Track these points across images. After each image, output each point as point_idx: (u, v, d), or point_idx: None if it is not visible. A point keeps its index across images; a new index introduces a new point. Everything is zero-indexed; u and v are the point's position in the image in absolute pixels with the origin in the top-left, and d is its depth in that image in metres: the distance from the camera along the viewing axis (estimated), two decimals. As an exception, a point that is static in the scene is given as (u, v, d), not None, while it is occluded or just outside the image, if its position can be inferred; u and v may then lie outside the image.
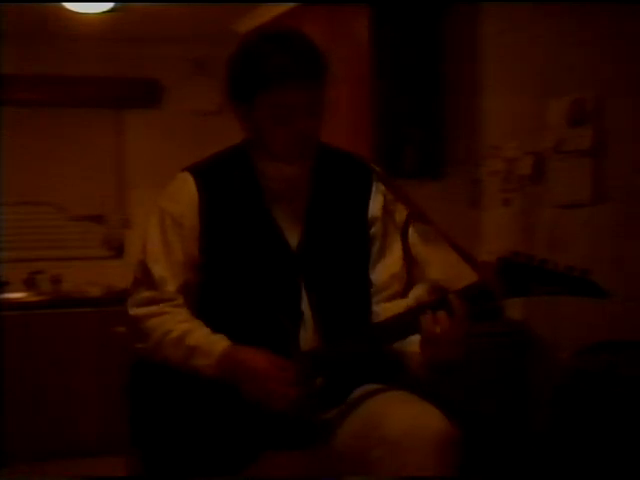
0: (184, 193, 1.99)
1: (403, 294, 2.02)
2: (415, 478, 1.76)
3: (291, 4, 4.49)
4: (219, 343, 1.89)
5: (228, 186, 1.99)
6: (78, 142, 5.59)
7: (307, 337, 1.95)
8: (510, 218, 3.68)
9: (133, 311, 2.01)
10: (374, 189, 2.04)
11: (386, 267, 2.03)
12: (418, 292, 1.98)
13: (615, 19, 3.15)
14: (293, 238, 1.99)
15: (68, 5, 4.66)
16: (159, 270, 1.98)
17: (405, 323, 1.82)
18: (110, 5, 4.67)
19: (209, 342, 1.90)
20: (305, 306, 1.97)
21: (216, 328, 1.96)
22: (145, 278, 2.00)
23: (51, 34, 5.22)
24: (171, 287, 1.97)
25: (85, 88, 5.57)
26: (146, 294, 1.99)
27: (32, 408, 4.89)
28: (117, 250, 5.68)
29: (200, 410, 1.93)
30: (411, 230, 2.01)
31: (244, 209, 1.98)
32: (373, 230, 2.03)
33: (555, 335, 3.25)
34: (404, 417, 1.80)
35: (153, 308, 1.97)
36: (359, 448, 1.85)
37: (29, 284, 5.30)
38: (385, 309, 1.99)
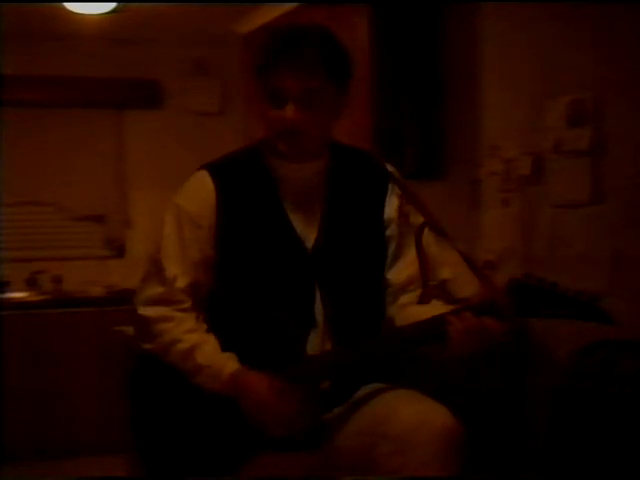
0: (202, 192, 1.98)
1: (420, 299, 2.01)
2: (417, 478, 1.77)
3: (291, 4, 4.50)
4: (227, 365, 1.89)
5: (245, 186, 1.99)
6: (79, 142, 5.60)
7: (318, 339, 1.95)
8: (509, 218, 3.69)
9: (142, 310, 1.99)
10: (390, 190, 2.03)
11: (403, 268, 2.03)
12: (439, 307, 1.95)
13: (614, 19, 3.15)
14: (309, 239, 1.98)
15: (69, 6, 4.67)
16: (172, 268, 1.97)
17: (429, 332, 1.83)
18: (111, 6, 4.68)
19: (218, 363, 1.89)
20: (318, 308, 1.97)
21: (227, 328, 1.97)
22: (157, 274, 1.99)
23: (52, 35, 5.23)
24: (181, 285, 1.96)
25: (86, 89, 5.58)
26: (156, 291, 1.98)
27: (32, 408, 4.90)
28: (118, 250, 5.69)
29: (199, 410, 1.94)
30: (425, 231, 2.01)
31: (260, 209, 1.97)
32: (389, 232, 2.03)
33: (553, 334, 3.25)
34: (410, 413, 1.81)
35: (162, 310, 1.96)
36: (364, 445, 1.86)
37: (30, 284, 5.31)
38: (408, 312, 1.98)
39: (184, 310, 1.97)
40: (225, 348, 1.96)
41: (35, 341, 4.97)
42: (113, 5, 4.67)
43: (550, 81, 3.46)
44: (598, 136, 3.22)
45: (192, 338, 1.93)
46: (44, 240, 5.60)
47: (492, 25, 3.83)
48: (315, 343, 1.95)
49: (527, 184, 3.59)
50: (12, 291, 5.21)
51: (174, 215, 2.01)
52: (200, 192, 1.99)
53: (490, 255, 3.75)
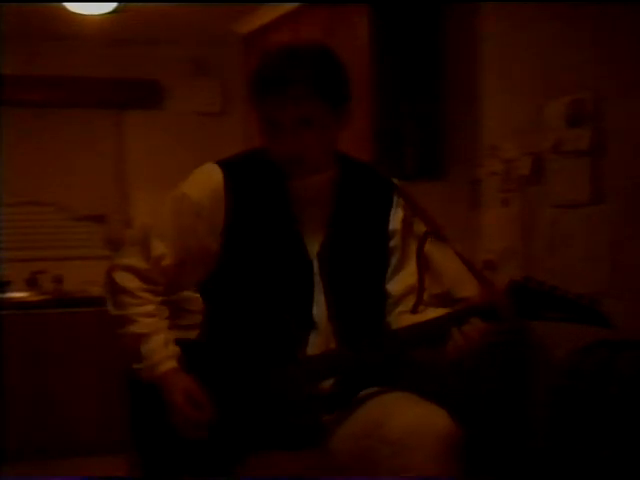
0: (210, 185, 1.97)
1: (413, 308, 2.02)
2: (416, 478, 1.77)
3: (291, 4, 4.50)
4: (164, 363, 1.96)
5: (256, 186, 1.98)
6: (79, 143, 5.61)
7: (319, 342, 1.96)
8: (509, 218, 3.69)
9: (117, 274, 2.03)
10: (395, 202, 2.05)
11: (403, 279, 2.04)
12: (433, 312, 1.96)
13: (614, 20, 3.16)
14: (314, 245, 1.99)
15: (69, 6, 4.67)
16: (160, 246, 1.99)
17: (430, 333, 1.85)
18: (111, 6, 4.68)
19: (157, 358, 1.96)
20: (321, 312, 1.97)
21: (226, 324, 2.00)
22: (143, 248, 2.01)
23: (52, 35, 5.24)
24: (166, 263, 1.99)
25: (86, 89, 5.58)
26: (137, 263, 2.01)
27: (32, 407, 4.90)
28: (118, 250, 5.68)
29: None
30: (428, 242, 2.03)
31: (269, 211, 1.98)
32: (392, 243, 2.04)
33: (552, 334, 3.26)
34: (408, 416, 1.82)
35: (135, 284, 2.00)
36: (362, 448, 1.86)
37: (31, 284, 5.31)
38: (404, 320, 1.99)
39: (154, 292, 2.02)
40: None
41: (35, 341, 4.96)
42: (113, 5, 4.67)
43: (550, 81, 3.47)
44: (598, 136, 3.22)
45: (147, 324, 1.98)
46: (44, 240, 5.60)
47: (492, 25, 3.84)
48: (318, 345, 1.95)
49: (527, 184, 3.59)
50: (12, 291, 5.21)
51: (176, 201, 2.01)
52: (208, 184, 1.98)
53: (490, 255, 3.75)
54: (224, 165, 2.00)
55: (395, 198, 2.05)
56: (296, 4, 4.46)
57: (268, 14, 4.75)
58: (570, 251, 3.34)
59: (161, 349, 1.97)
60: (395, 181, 2.09)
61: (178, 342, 2.01)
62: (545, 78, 3.50)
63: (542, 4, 3.47)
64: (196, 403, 1.92)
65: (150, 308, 2.00)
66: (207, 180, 1.98)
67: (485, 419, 3.14)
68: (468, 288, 1.95)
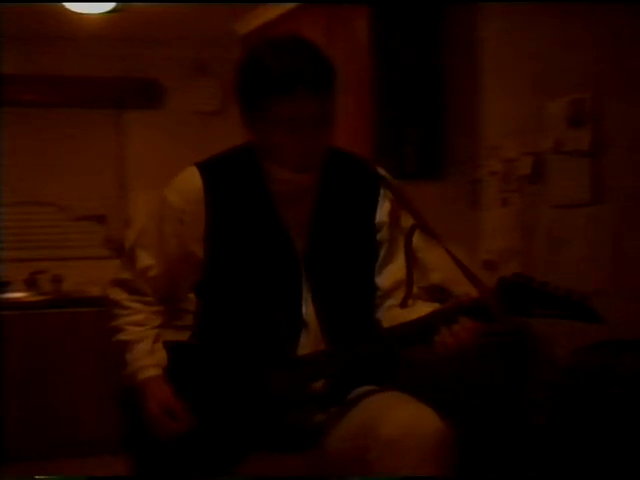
0: (190, 190, 1.96)
1: (403, 301, 2.00)
2: (413, 478, 1.77)
3: (291, 4, 4.50)
4: (144, 371, 1.99)
5: (236, 186, 1.97)
6: (79, 142, 5.60)
7: (309, 341, 1.95)
8: (509, 218, 3.69)
9: (108, 289, 2.08)
10: (382, 195, 2.02)
11: (392, 273, 2.02)
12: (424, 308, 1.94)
13: (614, 20, 3.16)
14: (299, 241, 1.97)
15: (69, 5, 4.67)
16: (146, 257, 2.01)
17: (419, 332, 1.83)
18: (111, 6, 4.68)
19: (139, 365, 2.00)
20: (310, 310, 1.96)
21: (216, 327, 1.99)
22: (130, 261, 2.04)
23: (52, 34, 5.23)
24: (152, 274, 2.01)
25: (85, 88, 5.58)
26: (125, 276, 2.06)
27: (32, 407, 4.90)
28: (118, 250, 5.68)
29: (192, 411, 1.95)
30: (416, 235, 2.01)
31: (251, 210, 1.96)
32: (380, 236, 2.01)
33: (553, 334, 3.26)
34: (400, 418, 1.81)
35: (123, 295, 2.05)
36: (355, 449, 1.85)
37: (30, 284, 5.31)
38: (394, 314, 1.98)
39: (143, 302, 2.04)
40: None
41: (35, 341, 4.96)
42: (113, 5, 4.67)
43: (550, 81, 3.47)
44: (598, 136, 3.22)
45: (134, 332, 2.02)
46: (44, 240, 5.59)
47: (492, 25, 3.84)
48: (308, 344, 1.94)
49: (527, 184, 3.60)
50: (12, 291, 5.20)
51: (158, 207, 2.02)
52: (187, 188, 1.98)
53: (490, 255, 3.75)
54: (203, 168, 1.98)
55: (382, 190, 2.02)
56: (296, 4, 4.46)
57: (268, 14, 4.75)
58: (570, 251, 3.34)
59: (144, 357, 1.99)
60: (382, 172, 2.05)
61: (171, 344, 2.02)
62: (545, 78, 3.50)
63: (542, 4, 3.47)
64: (171, 413, 1.93)
65: (138, 317, 2.04)
66: (186, 185, 1.98)
67: (484, 419, 3.15)
68: (462, 283, 1.93)
